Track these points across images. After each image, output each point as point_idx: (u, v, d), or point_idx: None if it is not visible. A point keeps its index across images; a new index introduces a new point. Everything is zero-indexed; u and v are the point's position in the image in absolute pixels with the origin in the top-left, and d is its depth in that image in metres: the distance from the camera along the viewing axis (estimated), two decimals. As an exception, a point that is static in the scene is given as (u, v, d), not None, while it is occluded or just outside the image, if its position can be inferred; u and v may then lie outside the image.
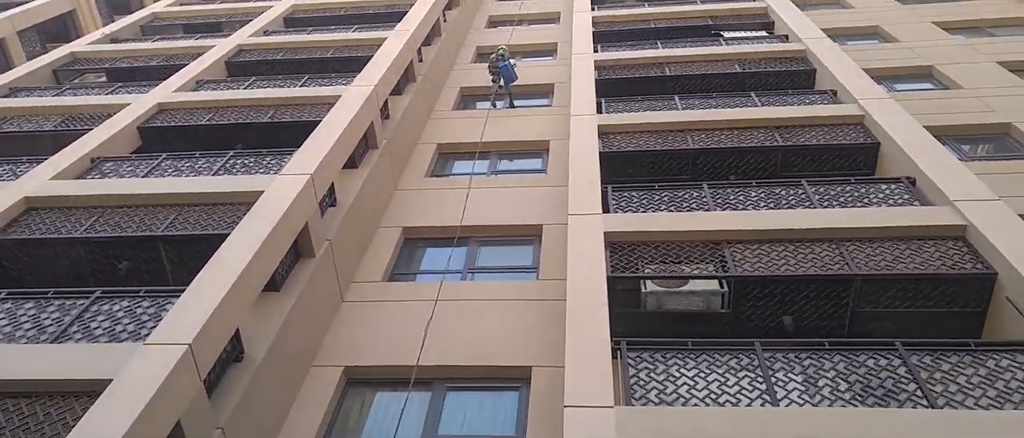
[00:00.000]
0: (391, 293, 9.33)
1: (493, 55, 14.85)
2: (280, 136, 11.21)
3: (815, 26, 14.50)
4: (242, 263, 7.26)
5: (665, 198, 8.90)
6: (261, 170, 9.64)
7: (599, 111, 11.58)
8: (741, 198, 8.78)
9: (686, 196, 8.91)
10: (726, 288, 7.51)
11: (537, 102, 15.56)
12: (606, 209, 8.74)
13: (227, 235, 7.91)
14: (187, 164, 9.99)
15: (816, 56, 12.90)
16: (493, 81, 14.81)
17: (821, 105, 11.13)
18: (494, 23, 21.20)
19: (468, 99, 16.13)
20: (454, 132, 13.97)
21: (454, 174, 12.80)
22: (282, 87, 12.85)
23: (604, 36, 15.75)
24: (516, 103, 15.03)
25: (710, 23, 15.91)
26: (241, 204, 8.73)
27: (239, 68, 14.80)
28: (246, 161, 9.95)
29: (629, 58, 13.75)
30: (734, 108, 11.27)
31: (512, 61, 14.74)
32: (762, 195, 8.82)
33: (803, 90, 12.05)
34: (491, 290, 9.18)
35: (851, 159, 10.11)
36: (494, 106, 14.68)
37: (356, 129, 10.92)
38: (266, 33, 16.69)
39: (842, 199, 8.61)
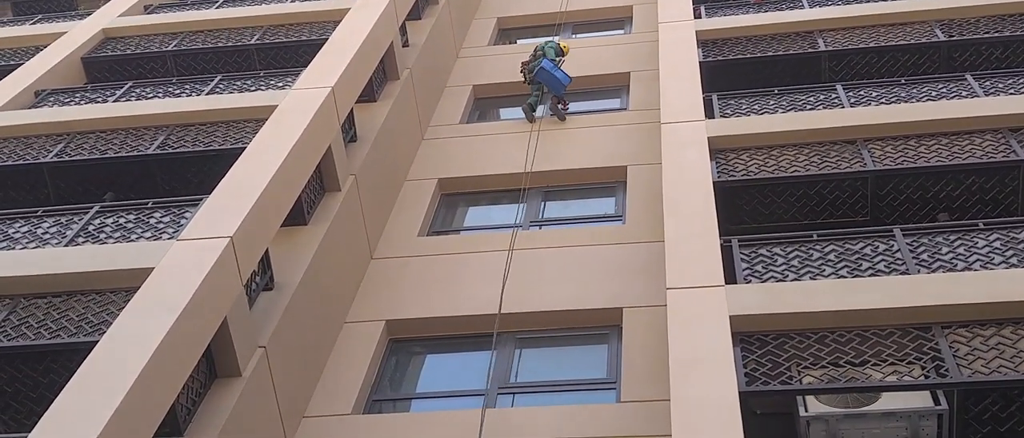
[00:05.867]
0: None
1: (528, 55, 14.96)
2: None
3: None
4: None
5: (831, 256, 8.85)
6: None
7: (710, 114, 11.68)
8: (962, 252, 8.70)
9: (866, 251, 8.87)
10: (944, 405, 7.42)
11: (602, 104, 15.77)
12: (731, 277, 8.74)
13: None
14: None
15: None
16: (533, 94, 14.86)
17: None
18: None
19: (486, 104, 16.39)
20: (469, 161, 14.16)
21: (480, 228, 13.19)
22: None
23: (710, -10, 15.97)
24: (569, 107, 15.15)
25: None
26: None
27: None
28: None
29: (754, 25, 13.92)
30: (937, 101, 11.30)
31: (558, 55, 14.77)
32: (997, 244, 8.75)
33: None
34: (541, 416, 9.33)
35: None
36: (530, 120, 14.70)
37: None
38: None
39: None
